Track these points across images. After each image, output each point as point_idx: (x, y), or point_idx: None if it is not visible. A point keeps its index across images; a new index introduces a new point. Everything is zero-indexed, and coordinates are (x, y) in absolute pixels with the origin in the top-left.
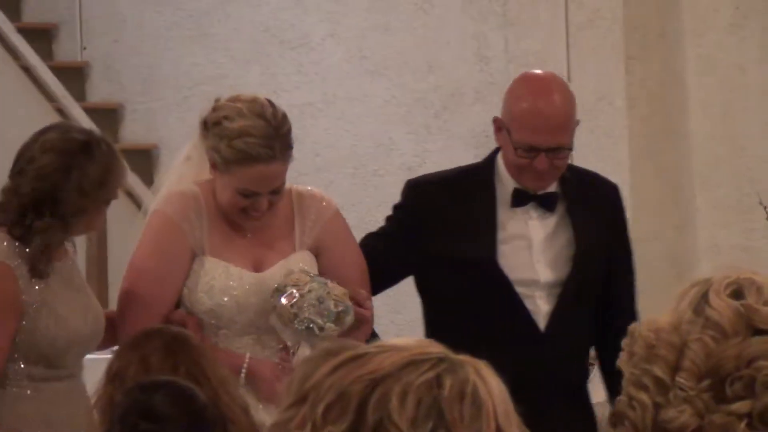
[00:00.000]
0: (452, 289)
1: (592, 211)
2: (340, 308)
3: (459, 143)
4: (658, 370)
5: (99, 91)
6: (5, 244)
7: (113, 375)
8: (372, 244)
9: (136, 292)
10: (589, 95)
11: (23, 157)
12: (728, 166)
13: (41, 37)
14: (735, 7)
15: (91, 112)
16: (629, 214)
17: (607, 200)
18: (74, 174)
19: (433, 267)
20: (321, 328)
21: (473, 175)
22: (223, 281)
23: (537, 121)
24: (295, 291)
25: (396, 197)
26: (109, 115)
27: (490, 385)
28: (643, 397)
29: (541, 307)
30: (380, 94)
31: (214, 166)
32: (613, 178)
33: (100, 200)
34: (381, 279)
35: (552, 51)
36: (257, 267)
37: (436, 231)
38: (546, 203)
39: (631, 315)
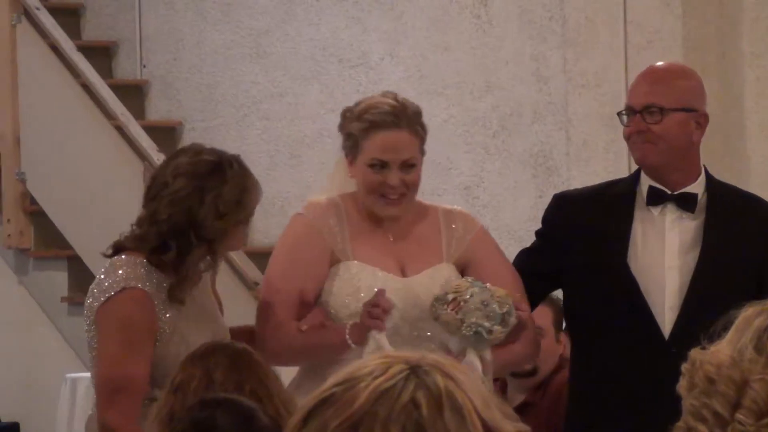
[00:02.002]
0: (584, 297)
1: (739, 226)
2: (504, 309)
3: (517, 163)
4: (718, 406)
5: (158, 109)
6: (143, 270)
7: (176, 387)
8: (520, 258)
9: (271, 294)
10: None
11: (156, 183)
12: None
13: (101, 54)
14: None
15: (150, 129)
16: None
17: (763, 219)
18: (209, 197)
19: (569, 277)
20: (489, 331)
21: (617, 186)
22: (369, 284)
23: (635, 81)
24: (458, 297)
25: None
26: (167, 133)
27: (462, 382)
28: (702, 428)
29: (667, 316)
30: (438, 114)
31: (350, 160)
32: None
33: (239, 220)
34: (528, 292)
35: (610, 71)
36: (404, 273)
37: (576, 242)
38: (683, 203)
39: None
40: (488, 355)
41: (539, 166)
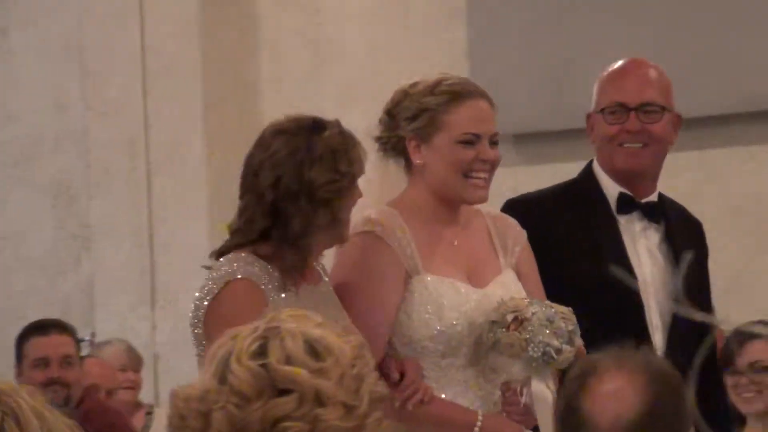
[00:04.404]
0: (582, 312)
1: (687, 237)
2: (570, 327)
3: (37, 193)
4: None
5: None
6: (249, 261)
7: None
8: None
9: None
10: (168, 142)
11: (251, 164)
12: None
13: None
14: (313, 53)
15: None
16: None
17: (698, 234)
18: (318, 149)
19: (557, 289)
20: (558, 351)
21: (576, 190)
22: (452, 299)
23: (620, 76)
24: (518, 316)
25: None
26: None
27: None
28: None
29: (655, 337)
30: None
31: (417, 143)
32: (192, 225)
33: (353, 173)
34: None
35: (129, 98)
36: (473, 280)
37: (558, 250)
38: (650, 212)
39: (714, 361)
40: (552, 384)
41: (60, 196)
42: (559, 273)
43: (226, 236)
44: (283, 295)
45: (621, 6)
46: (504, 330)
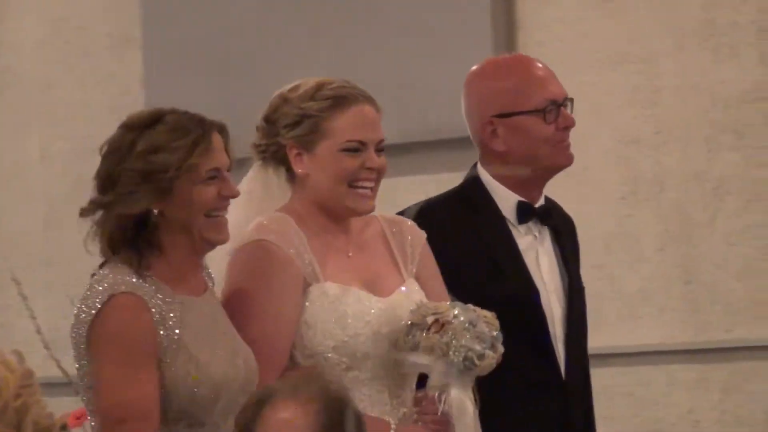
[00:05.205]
0: None
1: (567, 237)
2: (494, 332)
3: None
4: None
5: None
6: (129, 273)
7: None
8: None
9: (262, 349)
10: None
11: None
12: None
13: None
14: None
15: None
16: None
17: (572, 231)
18: (141, 142)
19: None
20: (481, 356)
21: (466, 197)
22: (356, 308)
23: (537, 72)
24: (440, 318)
25: None
26: None
27: None
28: None
29: (559, 349)
30: None
31: (300, 152)
32: None
33: (182, 168)
34: None
35: None
36: (373, 292)
37: (452, 262)
38: (545, 218)
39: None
40: (472, 392)
41: None
42: (458, 291)
43: None
44: (171, 329)
45: (307, 40)
46: (424, 332)
